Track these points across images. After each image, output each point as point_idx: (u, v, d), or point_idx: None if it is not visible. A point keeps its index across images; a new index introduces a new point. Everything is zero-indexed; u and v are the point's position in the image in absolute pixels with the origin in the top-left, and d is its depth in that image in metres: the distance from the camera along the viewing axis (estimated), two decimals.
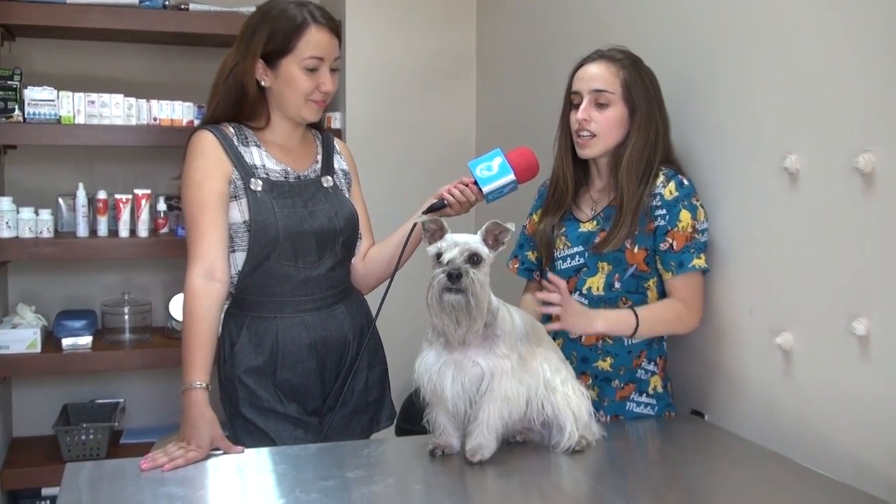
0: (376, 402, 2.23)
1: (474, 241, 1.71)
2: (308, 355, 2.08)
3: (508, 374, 1.72)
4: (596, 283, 2.10)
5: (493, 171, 1.98)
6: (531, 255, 2.24)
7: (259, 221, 1.99)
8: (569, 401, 1.81)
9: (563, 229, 2.16)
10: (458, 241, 1.69)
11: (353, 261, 2.19)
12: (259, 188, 2.02)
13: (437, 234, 1.74)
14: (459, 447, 1.82)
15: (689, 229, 2.05)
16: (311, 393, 2.11)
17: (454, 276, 1.64)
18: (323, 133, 2.21)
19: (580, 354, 2.09)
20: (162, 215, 3.29)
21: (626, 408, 2.14)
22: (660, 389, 2.16)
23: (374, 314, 2.11)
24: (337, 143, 2.22)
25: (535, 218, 2.25)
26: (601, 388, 2.13)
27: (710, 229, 2.11)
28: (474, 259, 1.68)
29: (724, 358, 2.16)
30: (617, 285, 2.09)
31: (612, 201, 2.11)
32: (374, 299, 2.18)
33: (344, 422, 2.16)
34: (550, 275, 1.95)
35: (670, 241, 2.06)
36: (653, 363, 2.15)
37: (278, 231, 2.01)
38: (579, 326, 1.95)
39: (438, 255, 1.69)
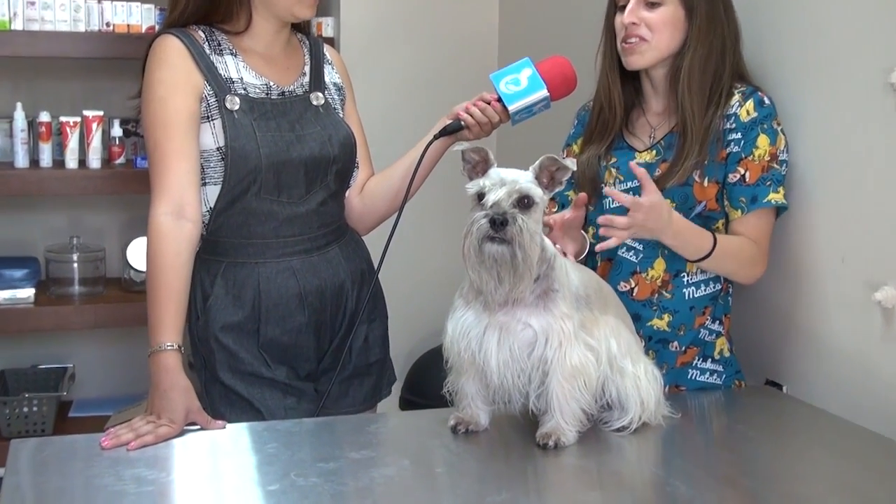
0: (378, 364, 2.25)
1: (526, 179, 1.69)
2: (297, 308, 2.09)
3: (571, 338, 1.73)
4: None
5: (520, 85, 1.99)
6: (570, 195, 2.23)
7: (236, 148, 1.99)
8: (639, 385, 1.82)
9: (614, 160, 2.16)
10: (507, 179, 1.68)
11: (347, 194, 2.21)
12: (236, 107, 2.02)
13: (480, 167, 1.73)
14: (486, 424, 1.84)
15: (767, 158, 2.06)
16: (304, 354, 2.12)
17: (498, 223, 1.63)
18: (310, 38, 2.21)
19: (631, 311, 2.06)
20: (117, 142, 3.24)
21: (689, 376, 2.15)
22: (727, 354, 2.17)
23: (375, 258, 2.12)
24: (328, 50, 2.23)
25: (576, 148, 2.25)
26: (657, 352, 2.13)
27: (790, 160, 2.11)
28: (524, 202, 1.67)
29: (807, 317, 2.17)
30: None
31: (675, 127, 2.11)
32: (372, 244, 2.22)
33: (342, 389, 2.18)
34: (632, 163, 1.94)
35: (742, 171, 2.07)
36: (717, 322, 2.16)
37: (260, 160, 2.01)
38: (650, 225, 1.91)
39: (480, 196, 1.68)
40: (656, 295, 2.12)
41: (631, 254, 2.13)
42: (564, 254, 1.96)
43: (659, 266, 2.12)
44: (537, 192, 1.70)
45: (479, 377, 1.80)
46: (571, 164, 1.72)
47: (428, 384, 1.97)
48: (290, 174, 2.05)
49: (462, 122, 2.05)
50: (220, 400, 2.06)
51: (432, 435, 1.85)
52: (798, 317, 2.19)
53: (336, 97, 2.18)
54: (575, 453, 1.76)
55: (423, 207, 2.59)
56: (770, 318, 2.26)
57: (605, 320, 1.83)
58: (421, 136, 2.15)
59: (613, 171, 2.16)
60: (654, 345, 2.13)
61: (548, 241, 1.79)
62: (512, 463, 1.75)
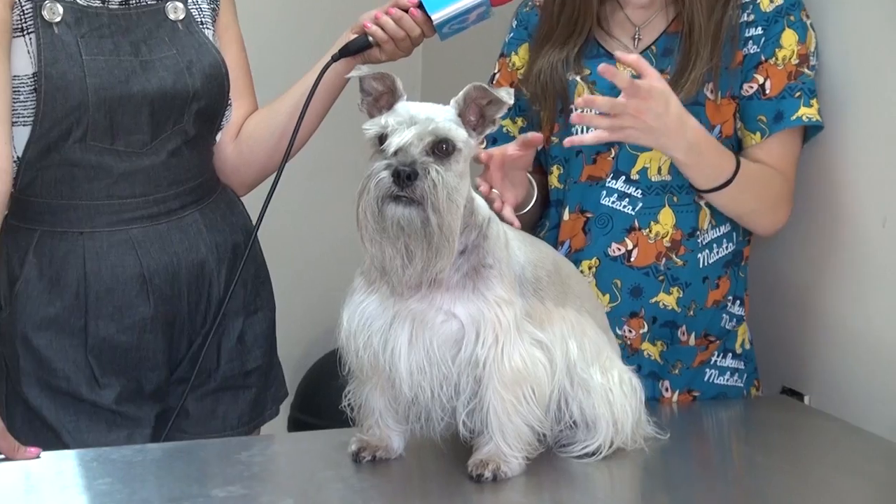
0: (260, 372, 2.16)
1: (444, 116, 1.63)
2: (139, 295, 2.00)
3: (511, 331, 1.67)
4: (654, 162, 2.03)
5: None
6: (510, 125, 2.17)
7: (54, 76, 1.91)
8: (611, 400, 1.75)
9: (588, 72, 2.07)
10: (418, 117, 1.62)
11: (219, 140, 2.13)
12: (58, 18, 1.93)
13: (384, 100, 1.68)
14: (400, 449, 1.77)
15: (795, 60, 2.00)
16: (150, 360, 2.03)
17: (404, 177, 1.56)
18: None
19: (628, 283, 2.02)
20: None
21: (706, 377, 2.09)
22: (747, 346, 2.13)
23: (255, 225, 2.10)
24: None
25: (516, 59, 2.18)
26: (666, 342, 2.06)
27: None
28: (442, 148, 1.61)
29: (835, 304, 2.12)
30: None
31: (670, 26, 2.05)
32: (255, 208, 2.12)
33: (207, 407, 2.08)
34: (618, 53, 1.88)
35: (761, 79, 2.02)
36: (738, 303, 2.10)
37: (86, 93, 1.92)
38: (650, 121, 1.82)
39: (382, 139, 1.62)
40: (663, 260, 2.04)
41: (625, 203, 2.03)
42: (502, 207, 1.90)
43: (666, 219, 2.03)
44: (460, 135, 1.62)
45: (390, 386, 1.73)
46: (507, 95, 1.65)
47: (326, 398, 2.06)
48: (129, 114, 1.96)
49: (370, 38, 2.00)
50: (22, 424, 1.96)
51: (327, 464, 1.78)
52: (823, 303, 2.15)
53: (205, 6, 2.10)
54: (521, 488, 1.69)
55: (322, 157, 2.53)
56: (786, 305, 2.22)
57: (563, 314, 1.76)
58: (317, 58, 2.07)
59: (587, 86, 2.06)
60: (660, 330, 2.05)
61: (479, 200, 1.71)
62: (434, 502, 1.73)
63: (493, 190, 1.91)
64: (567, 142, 1.87)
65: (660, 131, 1.85)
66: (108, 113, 1.94)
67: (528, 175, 2.06)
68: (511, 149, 1.95)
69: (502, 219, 1.84)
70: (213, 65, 2.05)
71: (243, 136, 2.13)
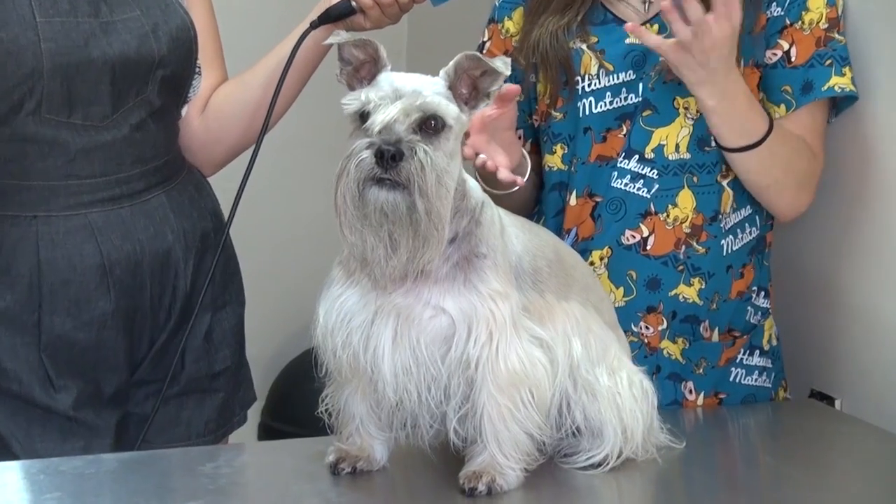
0: (229, 374, 2.13)
1: (433, 89, 1.60)
2: (98, 288, 1.97)
3: (507, 328, 1.64)
4: (671, 138, 1.99)
5: None
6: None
7: (4, 40, 1.89)
8: (619, 404, 1.72)
9: (595, 40, 2.03)
10: (404, 90, 1.58)
11: (185, 115, 2.10)
12: None
13: (366, 70, 1.64)
14: (383, 460, 1.74)
15: (824, 24, 1.97)
16: (109, 359, 2.00)
17: (388, 157, 1.53)
18: None
19: (644, 274, 1.99)
20: None
21: (732, 377, 2.06)
22: (774, 342, 2.10)
23: (227, 212, 2.05)
24: None
25: (510, 25, 2.13)
26: (687, 339, 2.03)
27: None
28: (430, 125, 1.57)
29: (867, 293, 2.09)
30: (713, 139, 2.00)
31: None
32: (226, 191, 2.08)
33: (170, 413, 2.06)
34: (629, 26, 1.92)
35: (786, 45, 1.98)
36: (763, 294, 2.07)
37: (39, 59, 1.89)
38: (710, 61, 1.86)
39: (364, 116, 1.58)
40: (683, 248, 2.00)
41: (639, 185, 2.00)
42: (496, 168, 1.86)
43: (685, 202, 2.01)
44: (450, 110, 1.59)
45: (372, 390, 1.69)
46: (503, 65, 1.61)
47: (300, 403, 2.10)
48: (88, 83, 1.92)
49: (353, 3, 1.96)
50: None
51: (302, 477, 1.74)
52: (853, 296, 2.12)
53: None
54: (519, 503, 1.66)
55: (295, 133, 2.54)
56: (812, 299, 2.20)
57: (565, 309, 1.73)
58: (294, 25, 2.04)
59: (595, 55, 2.03)
60: (681, 326, 2.02)
61: (471, 182, 1.67)
62: None
63: (480, 155, 1.87)
64: (630, 28, 1.87)
65: (709, 68, 1.87)
66: (64, 81, 1.90)
67: (522, 150, 2.03)
68: (489, 110, 1.90)
69: (500, 184, 1.84)
70: (181, 28, 2.01)
71: (211, 110, 2.10)
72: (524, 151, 2.03)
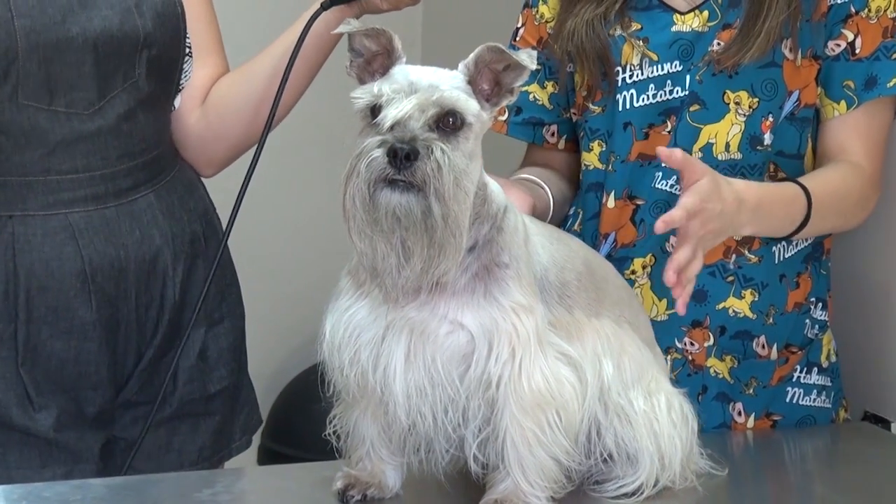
0: (225, 395, 2.08)
1: (451, 84, 1.56)
2: (79, 295, 1.93)
3: (531, 344, 1.61)
4: (720, 136, 1.95)
5: None
6: (538, 91, 2.09)
7: None
8: (655, 430, 1.68)
9: (638, 27, 1.99)
10: (420, 83, 1.55)
11: (179, 105, 2.06)
12: None
13: (379, 62, 1.61)
14: (396, 487, 1.71)
15: (892, 13, 1.91)
16: (91, 375, 1.96)
17: (402, 157, 1.49)
18: None
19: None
20: None
21: (788, 397, 2.01)
22: (833, 358, 2.05)
23: (223, 215, 2.02)
24: None
25: (545, 9, 2.09)
26: (737, 357, 1.98)
27: None
28: (448, 122, 1.54)
29: None
30: (766, 137, 1.95)
31: None
32: (224, 192, 2.05)
33: (160, 438, 2.02)
34: (659, 149, 1.80)
35: (851, 35, 1.92)
36: (821, 306, 2.01)
37: (13, 38, 1.85)
38: (721, 233, 1.79)
39: (375, 110, 1.55)
40: (733, 256, 1.97)
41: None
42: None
43: None
44: (470, 106, 1.55)
45: (383, 411, 1.66)
46: (529, 58, 1.56)
47: (304, 424, 2.10)
48: (69, 64, 1.89)
49: None
50: None
51: None
52: None
53: None
54: None
55: (300, 129, 2.52)
56: (867, 311, 2.15)
57: (596, 327, 1.69)
58: (302, 8, 1.98)
59: (639, 44, 1.98)
60: (730, 342, 1.98)
61: (493, 185, 1.63)
62: None
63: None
64: (658, 227, 1.75)
65: (726, 225, 1.81)
66: (42, 62, 1.86)
67: (540, 183, 1.99)
68: None
69: None
70: (167, 2, 1.97)
71: (211, 103, 2.05)
72: (546, 189, 2.01)
